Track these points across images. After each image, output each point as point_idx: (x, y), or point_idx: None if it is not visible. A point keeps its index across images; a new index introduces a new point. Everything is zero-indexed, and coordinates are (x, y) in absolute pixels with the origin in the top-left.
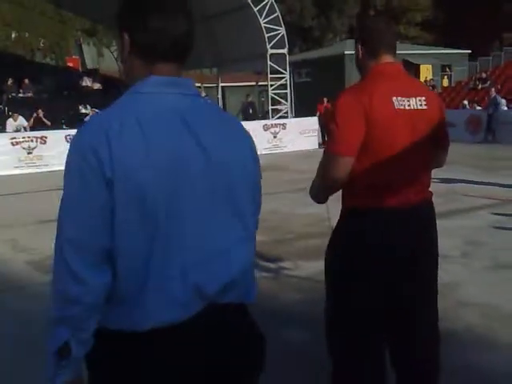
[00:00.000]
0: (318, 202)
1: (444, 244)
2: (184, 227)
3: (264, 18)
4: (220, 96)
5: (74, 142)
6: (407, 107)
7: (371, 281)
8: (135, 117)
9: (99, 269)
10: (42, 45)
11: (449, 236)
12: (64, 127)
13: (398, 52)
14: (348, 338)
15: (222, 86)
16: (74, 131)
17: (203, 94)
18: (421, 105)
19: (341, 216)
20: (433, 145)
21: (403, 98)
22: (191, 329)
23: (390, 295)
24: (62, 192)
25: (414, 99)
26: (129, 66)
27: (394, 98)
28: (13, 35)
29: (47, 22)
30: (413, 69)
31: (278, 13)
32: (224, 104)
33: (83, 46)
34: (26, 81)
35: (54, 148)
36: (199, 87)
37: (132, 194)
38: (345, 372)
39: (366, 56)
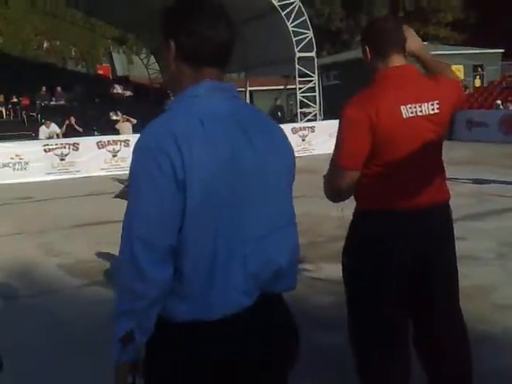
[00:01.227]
0: (334, 202)
1: (479, 246)
2: (243, 219)
3: (292, 22)
4: (248, 100)
5: (142, 145)
6: (419, 113)
7: (384, 283)
8: (198, 118)
9: (165, 264)
10: (73, 53)
11: (484, 238)
12: (95, 134)
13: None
14: (368, 342)
15: (250, 90)
16: (105, 137)
17: None
18: (433, 109)
19: (353, 217)
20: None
21: (414, 105)
22: (252, 316)
23: (404, 297)
24: (102, 196)
25: (425, 104)
26: (174, 72)
27: (403, 107)
28: (45, 44)
29: (78, 30)
30: None
31: (305, 16)
32: None
33: (113, 53)
34: (59, 89)
35: (86, 154)
36: None
37: (203, 192)
38: (368, 373)
39: (374, 57)
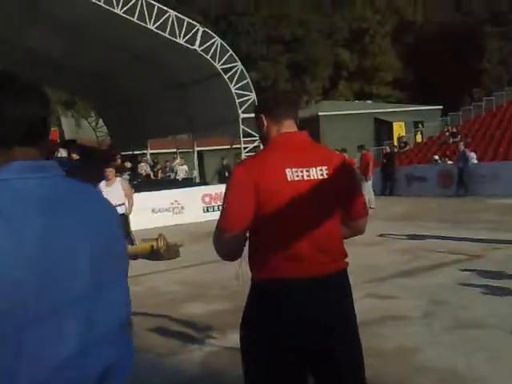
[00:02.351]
0: (225, 260)
1: (407, 305)
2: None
3: (235, 85)
4: (196, 161)
5: None
6: (306, 178)
7: (276, 361)
8: None
9: None
10: None
11: (412, 296)
12: None
13: (371, 111)
14: None
15: (197, 151)
16: None
17: (178, 160)
18: (322, 174)
19: (250, 288)
20: (345, 214)
21: (301, 169)
22: None
23: (301, 374)
24: None
25: (313, 169)
26: None
27: (288, 170)
28: None
29: None
30: (386, 127)
31: (248, 79)
32: (201, 168)
33: (61, 117)
34: None
35: None
36: (175, 153)
37: None
38: None
39: (269, 124)
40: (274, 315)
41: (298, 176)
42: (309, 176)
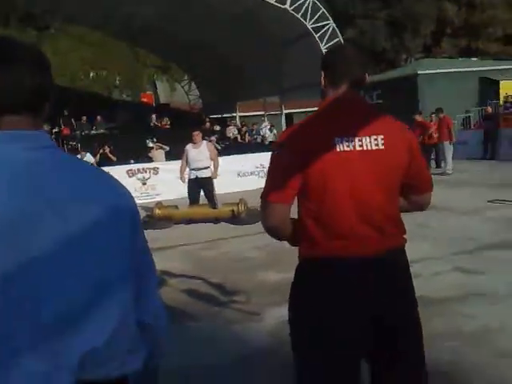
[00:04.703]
0: (275, 238)
1: (495, 281)
2: (38, 291)
3: (325, 44)
4: (284, 123)
5: None
6: (358, 147)
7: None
8: None
9: None
10: (117, 82)
11: (503, 271)
12: (132, 162)
13: (476, 69)
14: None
15: (286, 113)
16: (135, 166)
17: (266, 123)
18: (376, 144)
19: (297, 266)
20: (405, 187)
21: (352, 137)
22: None
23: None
24: None
25: (367, 138)
26: None
27: (338, 138)
28: (91, 74)
29: (123, 60)
30: (492, 86)
31: (339, 38)
32: None
33: (157, 82)
34: (99, 118)
35: None
36: (263, 115)
37: None
38: None
39: (327, 85)
40: (321, 301)
41: (348, 146)
42: (361, 146)
